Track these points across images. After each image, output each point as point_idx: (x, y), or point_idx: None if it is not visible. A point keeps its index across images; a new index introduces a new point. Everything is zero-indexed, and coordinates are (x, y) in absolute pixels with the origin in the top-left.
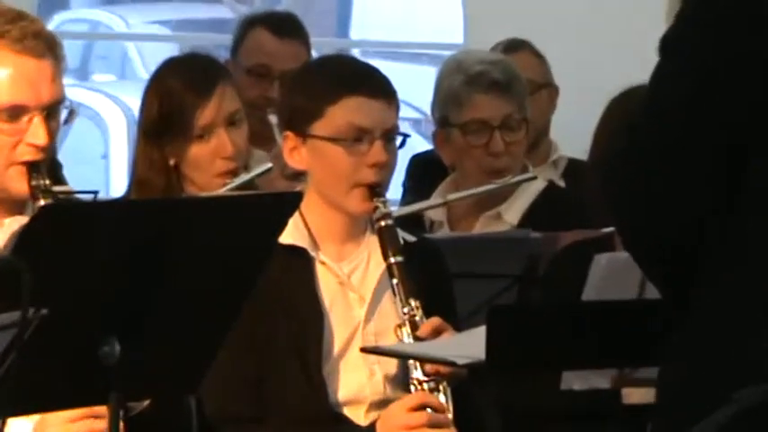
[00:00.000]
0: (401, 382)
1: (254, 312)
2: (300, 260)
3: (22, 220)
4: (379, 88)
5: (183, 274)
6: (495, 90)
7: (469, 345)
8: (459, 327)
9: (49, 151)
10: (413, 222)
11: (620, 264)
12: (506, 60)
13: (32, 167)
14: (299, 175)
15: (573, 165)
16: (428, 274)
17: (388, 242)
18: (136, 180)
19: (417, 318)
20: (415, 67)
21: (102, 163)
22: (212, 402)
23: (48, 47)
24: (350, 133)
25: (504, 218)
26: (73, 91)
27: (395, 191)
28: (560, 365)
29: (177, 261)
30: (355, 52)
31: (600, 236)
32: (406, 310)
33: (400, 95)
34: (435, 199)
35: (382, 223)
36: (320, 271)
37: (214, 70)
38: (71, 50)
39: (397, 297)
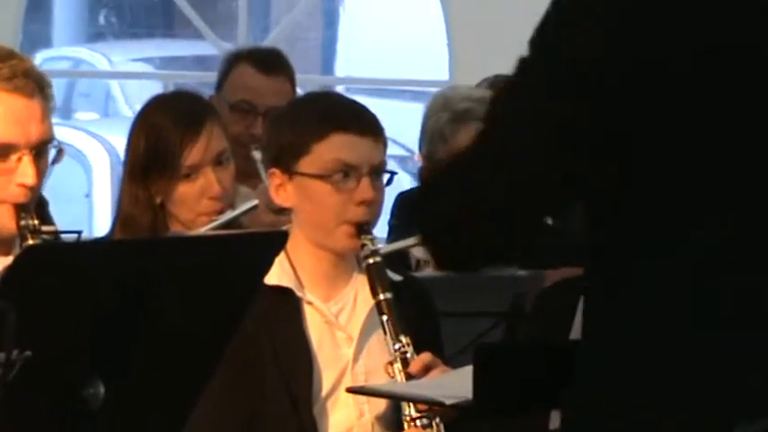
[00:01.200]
0: (391, 421)
1: (243, 355)
2: (287, 301)
3: (6, 261)
4: (367, 125)
5: (169, 314)
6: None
7: (457, 384)
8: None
9: (38, 191)
10: (398, 261)
11: None
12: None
13: (21, 207)
14: (284, 210)
15: None
16: (416, 313)
17: (376, 279)
18: (121, 218)
19: (408, 354)
20: (400, 104)
21: (85, 202)
22: None
23: (38, 86)
24: (337, 170)
25: None
26: (56, 129)
27: (381, 228)
28: (548, 405)
29: (163, 301)
30: (340, 89)
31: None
32: (396, 346)
33: (386, 132)
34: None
35: (370, 260)
36: (307, 311)
37: (202, 109)
38: (54, 88)
39: (388, 334)
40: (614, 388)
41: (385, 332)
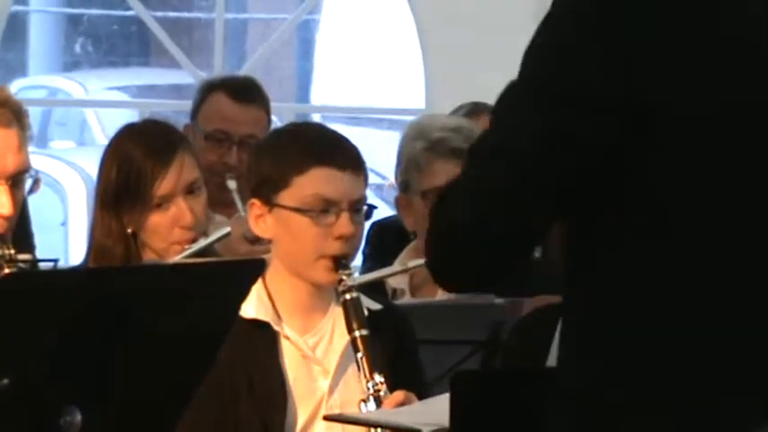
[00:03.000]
0: None
1: (218, 387)
2: (264, 334)
3: None
4: (348, 159)
5: (145, 341)
6: (456, 157)
7: (434, 412)
8: (428, 394)
9: (14, 220)
10: (375, 290)
11: None
12: (468, 126)
13: None
14: (260, 240)
15: None
16: (395, 341)
17: (352, 315)
18: (95, 248)
19: (382, 393)
20: (376, 132)
21: (61, 230)
22: None
23: (14, 116)
24: (317, 205)
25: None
26: (32, 158)
27: (357, 256)
28: None
29: (138, 329)
30: (316, 117)
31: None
32: (370, 385)
33: (364, 159)
34: (397, 266)
35: (347, 296)
36: (284, 344)
37: (173, 138)
38: (30, 117)
39: (361, 371)
40: (595, 413)
41: (359, 369)
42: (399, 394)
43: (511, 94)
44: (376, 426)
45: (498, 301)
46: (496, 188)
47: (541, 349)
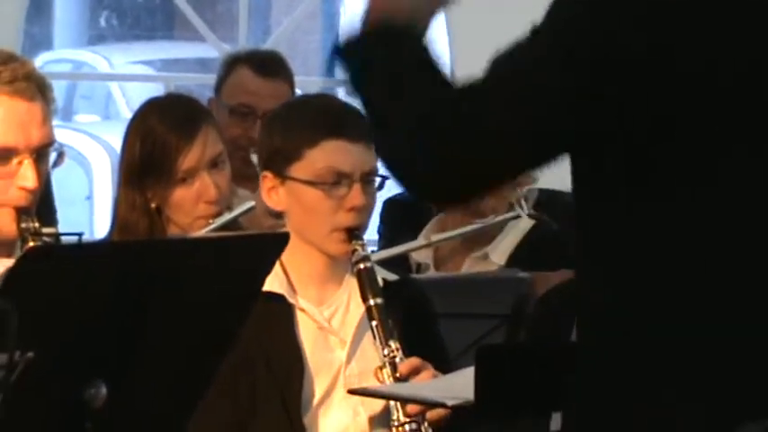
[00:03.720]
0: (386, 420)
1: (235, 360)
2: (279, 307)
3: (7, 263)
4: (359, 131)
5: (170, 315)
6: None
7: (458, 385)
8: (449, 365)
9: (39, 193)
10: (398, 265)
11: None
12: None
13: (22, 210)
14: (280, 215)
15: (544, 196)
16: (411, 312)
17: (367, 285)
18: (119, 223)
19: (397, 359)
20: None
21: (86, 204)
22: None
23: (38, 89)
24: (329, 177)
25: (491, 258)
26: (56, 131)
27: (372, 231)
28: (550, 406)
29: (163, 302)
30: (340, 92)
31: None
32: (386, 351)
33: None
34: (419, 241)
35: (361, 266)
36: (300, 316)
37: (197, 112)
38: (54, 91)
39: (377, 339)
40: (615, 390)
41: (375, 337)
42: (414, 360)
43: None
44: (399, 399)
45: (523, 274)
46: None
47: (566, 323)
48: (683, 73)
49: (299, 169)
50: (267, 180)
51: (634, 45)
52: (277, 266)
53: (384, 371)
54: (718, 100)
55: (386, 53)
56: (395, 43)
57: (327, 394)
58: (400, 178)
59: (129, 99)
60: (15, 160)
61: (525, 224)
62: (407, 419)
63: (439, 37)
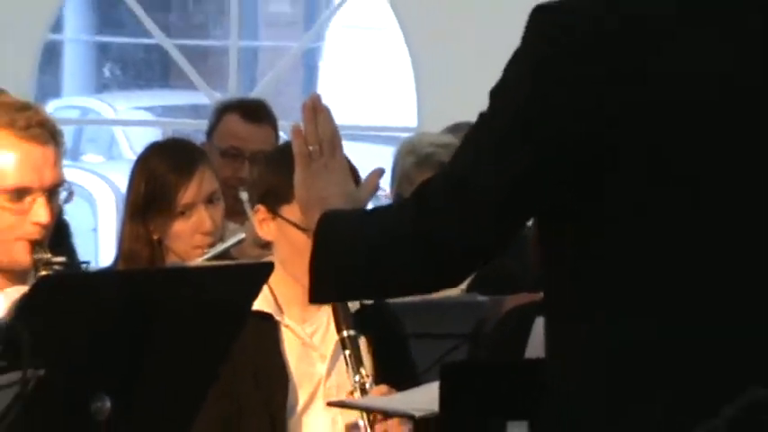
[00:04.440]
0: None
1: (227, 372)
2: (267, 324)
3: (21, 290)
4: None
5: (168, 335)
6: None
7: (425, 398)
8: (417, 382)
9: (50, 228)
10: None
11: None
12: (455, 143)
13: (35, 243)
14: (269, 244)
15: None
16: (385, 334)
17: (341, 318)
18: (123, 253)
19: (367, 385)
20: (374, 147)
21: (92, 235)
22: None
23: (50, 135)
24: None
25: None
26: (65, 171)
27: None
28: (506, 416)
29: (162, 324)
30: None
31: (541, 299)
32: (357, 378)
33: (360, 173)
34: None
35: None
36: (285, 333)
37: (194, 154)
38: (64, 135)
39: (349, 367)
40: (581, 401)
41: (347, 365)
42: (382, 387)
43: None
44: (373, 411)
45: (482, 298)
46: (479, 197)
47: (520, 342)
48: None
49: (288, 211)
50: (260, 213)
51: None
52: (265, 289)
53: (355, 395)
54: (647, 169)
55: (339, 244)
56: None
57: (308, 404)
58: (410, 293)
59: (131, 141)
60: (29, 198)
61: None
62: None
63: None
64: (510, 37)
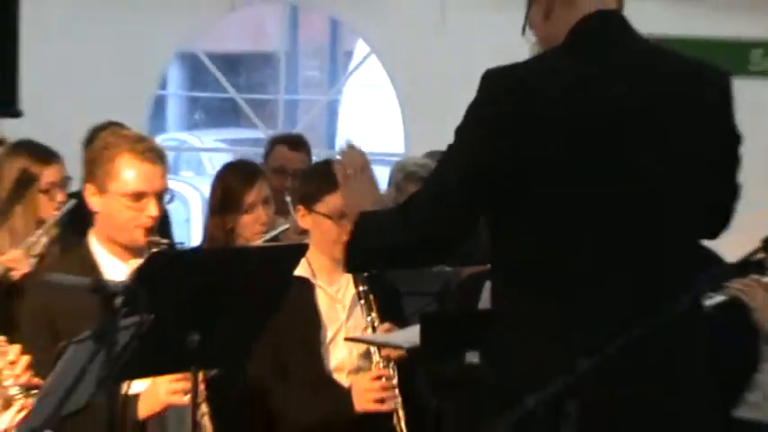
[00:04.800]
0: (367, 357)
1: (278, 318)
2: (305, 285)
3: (138, 262)
4: None
5: (237, 291)
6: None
7: (410, 336)
8: (406, 324)
9: (158, 219)
10: None
11: None
12: (431, 164)
13: (148, 229)
14: (305, 232)
15: None
16: (386, 293)
17: (359, 279)
18: (207, 237)
19: (376, 324)
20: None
21: (186, 225)
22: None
23: (159, 157)
24: (337, 214)
25: None
26: (169, 182)
27: None
28: (465, 348)
29: (233, 284)
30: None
31: (487, 269)
32: (368, 319)
33: None
34: None
35: None
36: (318, 291)
37: (256, 170)
38: (168, 157)
39: (364, 311)
40: (508, 334)
41: (362, 311)
42: (386, 325)
43: (450, 152)
44: (376, 344)
45: (447, 268)
46: (450, 203)
47: (474, 298)
48: (528, 159)
49: (320, 207)
50: (300, 210)
51: (504, 156)
52: (304, 261)
53: (368, 330)
54: (544, 171)
55: (367, 235)
56: (365, 227)
57: (333, 339)
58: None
59: (212, 162)
60: (145, 200)
61: None
62: (381, 359)
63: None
64: (469, 93)
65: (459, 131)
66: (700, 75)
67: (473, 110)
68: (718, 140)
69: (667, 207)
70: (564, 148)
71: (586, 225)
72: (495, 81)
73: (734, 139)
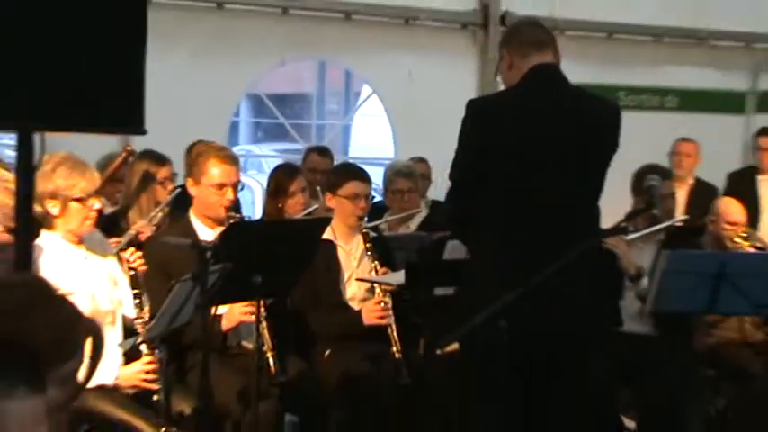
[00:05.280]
0: (371, 291)
1: (312, 268)
2: (329, 245)
3: (221, 229)
4: (367, 175)
5: (284, 248)
6: (407, 176)
7: (399, 277)
8: (396, 269)
9: (234, 202)
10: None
11: (456, 245)
12: (413, 165)
13: (227, 208)
14: (331, 210)
15: (435, 202)
16: (383, 249)
17: (365, 239)
18: (267, 214)
19: (378, 267)
20: (376, 169)
21: (251, 206)
22: (298, 300)
23: (234, 160)
24: (352, 197)
25: (410, 227)
26: (241, 176)
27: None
28: (435, 284)
29: (281, 244)
30: (352, 161)
31: (449, 235)
32: (372, 266)
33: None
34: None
35: (364, 231)
36: (339, 249)
37: (296, 169)
38: (239, 161)
39: (370, 258)
40: (474, 274)
41: (368, 257)
42: (384, 269)
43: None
44: (376, 282)
45: (423, 233)
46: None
47: (440, 252)
48: (491, 154)
49: (342, 191)
50: (327, 196)
51: (481, 143)
52: (329, 228)
53: (371, 273)
54: (499, 162)
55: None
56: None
57: (348, 279)
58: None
59: (269, 164)
60: (225, 189)
61: (423, 214)
62: (381, 291)
63: None
64: (461, 98)
65: (458, 141)
66: (605, 105)
67: (462, 127)
68: (612, 149)
69: (578, 194)
70: (512, 155)
71: (523, 202)
72: (473, 107)
73: (616, 147)
